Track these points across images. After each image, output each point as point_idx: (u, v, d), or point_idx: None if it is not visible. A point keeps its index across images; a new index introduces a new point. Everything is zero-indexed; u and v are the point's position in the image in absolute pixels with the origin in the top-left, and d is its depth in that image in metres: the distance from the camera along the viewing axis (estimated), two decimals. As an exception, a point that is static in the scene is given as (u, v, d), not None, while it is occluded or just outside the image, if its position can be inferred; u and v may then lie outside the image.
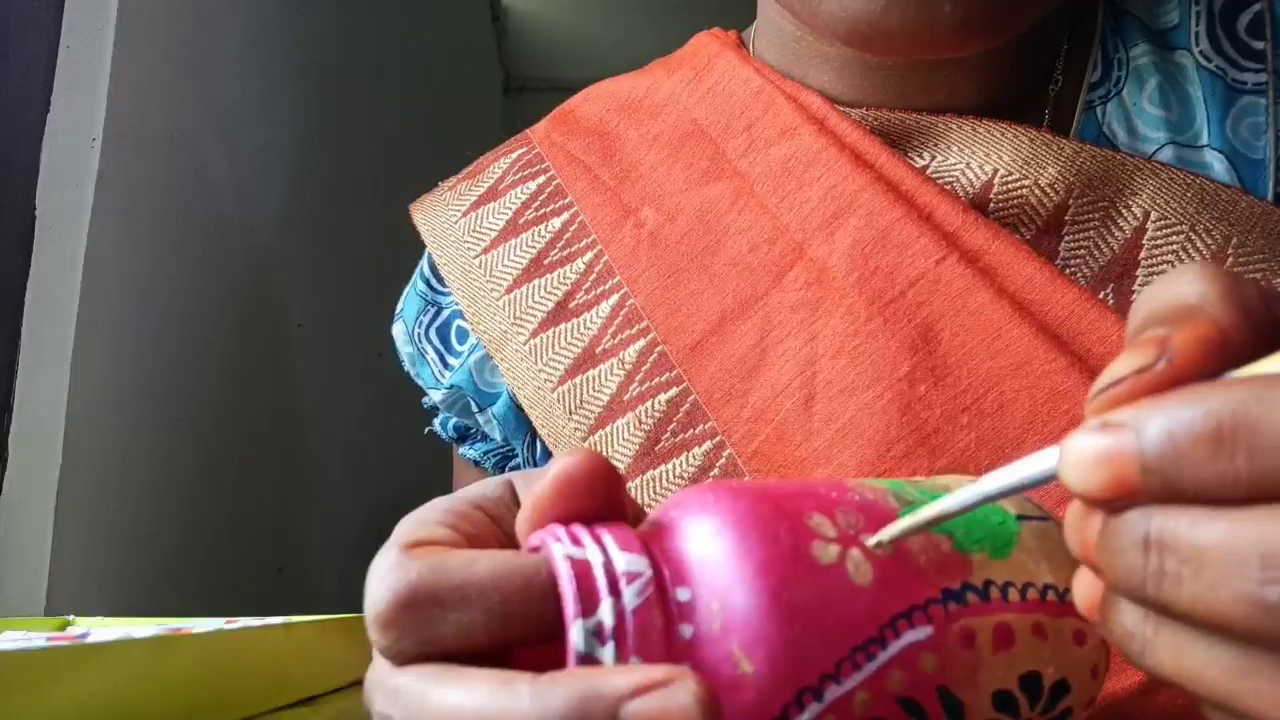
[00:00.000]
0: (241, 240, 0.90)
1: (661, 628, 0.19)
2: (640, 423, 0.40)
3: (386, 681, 0.20)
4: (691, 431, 0.39)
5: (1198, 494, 0.15)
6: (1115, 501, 0.16)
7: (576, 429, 0.41)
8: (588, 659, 0.18)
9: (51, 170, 0.63)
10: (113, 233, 0.66)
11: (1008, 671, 0.21)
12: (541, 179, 0.47)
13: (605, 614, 0.18)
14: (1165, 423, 0.15)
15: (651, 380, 0.40)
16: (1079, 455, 0.16)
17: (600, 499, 0.21)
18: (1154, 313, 0.17)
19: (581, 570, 0.19)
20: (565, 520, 0.21)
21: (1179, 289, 0.17)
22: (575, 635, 0.18)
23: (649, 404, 0.40)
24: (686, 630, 0.19)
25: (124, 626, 0.44)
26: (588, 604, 0.19)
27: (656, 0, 2.29)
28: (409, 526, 0.22)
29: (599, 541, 0.20)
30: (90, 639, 0.34)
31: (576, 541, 0.20)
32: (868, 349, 0.36)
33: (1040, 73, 0.42)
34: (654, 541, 0.20)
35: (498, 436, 0.49)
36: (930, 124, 0.40)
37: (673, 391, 0.40)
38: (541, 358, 0.43)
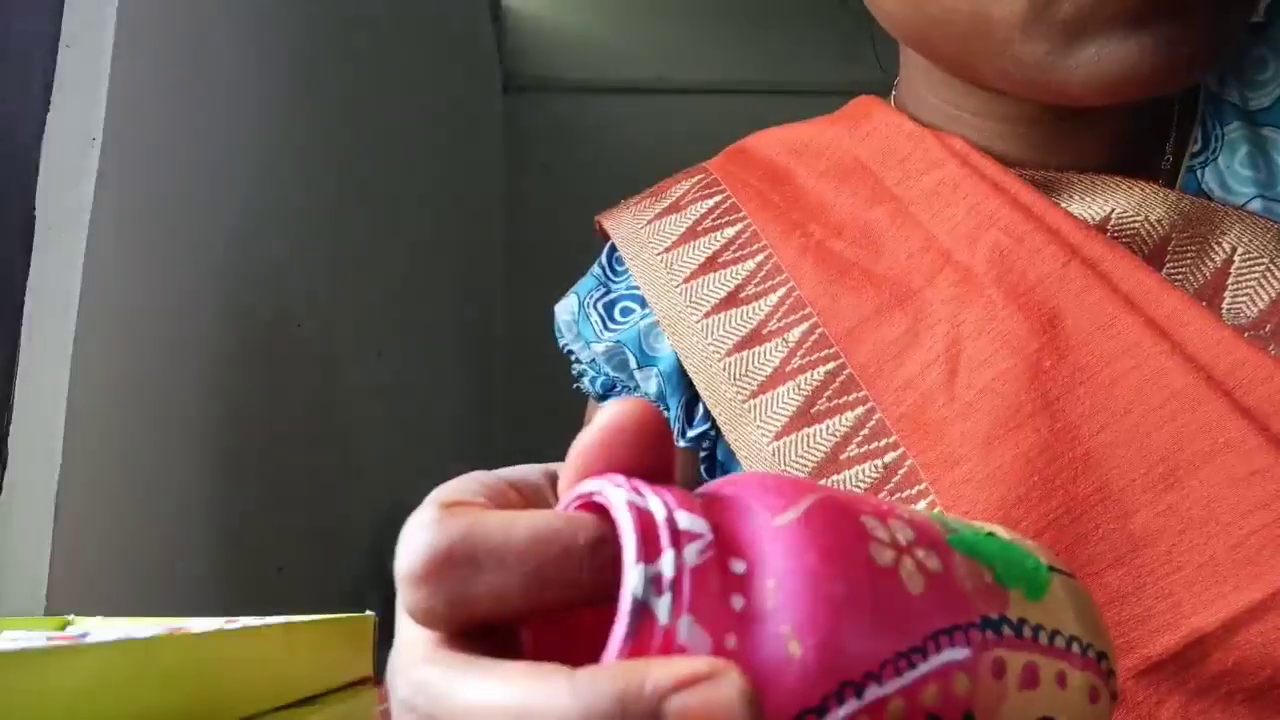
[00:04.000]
0: (241, 240, 0.90)
1: (717, 593, 0.18)
2: (799, 389, 0.46)
3: (411, 672, 0.19)
4: (845, 398, 0.45)
5: None
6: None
7: (739, 393, 0.48)
8: (643, 608, 0.18)
9: (51, 170, 0.63)
10: (113, 233, 0.66)
11: (1028, 712, 0.21)
12: (718, 197, 0.55)
13: (666, 565, 0.18)
14: None
15: (811, 355, 0.46)
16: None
17: (650, 455, 0.21)
18: None
19: (645, 518, 0.18)
20: (617, 468, 0.20)
21: None
22: (634, 579, 0.18)
23: (808, 375, 0.46)
24: (738, 601, 0.18)
25: (124, 626, 0.44)
26: (650, 551, 0.18)
27: (656, 1, 2.30)
28: (445, 490, 0.22)
29: (659, 495, 0.19)
30: (90, 639, 0.34)
31: (637, 492, 0.19)
32: (1004, 330, 0.42)
33: (1150, 148, 0.49)
34: (708, 511, 0.20)
35: (652, 391, 0.55)
36: (1056, 178, 0.47)
37: (830, 365, 0.46)
38: (712, 334, 0.50)
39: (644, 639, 0.17)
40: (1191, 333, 0.40)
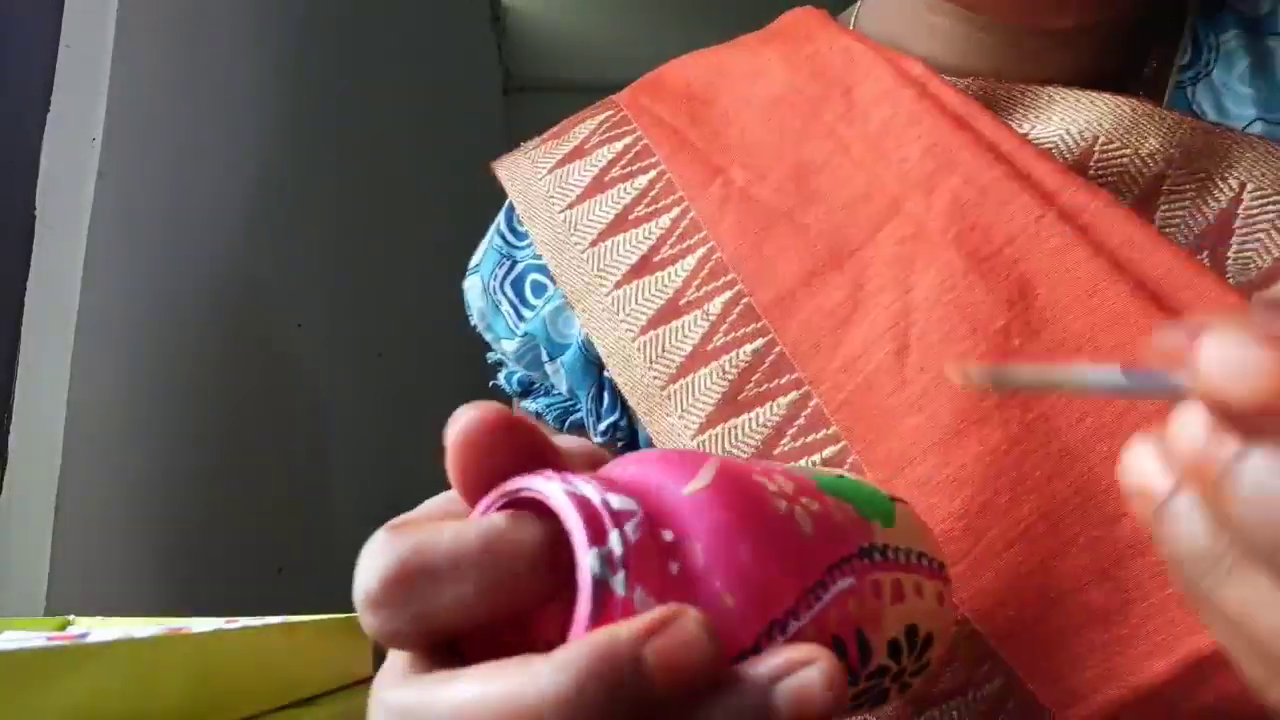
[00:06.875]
0: (241, 240, 0.90)
1: (656, 562, 0.20)
2: (724, 372, 0.40)
3: (388, 698, 0.19)
4: (776, 382, 0.39)
5: None
6: (1255, 415, 0.15)
7: (656, 378, 0.42)
8: (602, 584, 0.19)
9: (51, 170, 0.63)
10: (113, 233, 0.66)
11: (898, 622, 0.24)
12: (628, 139, 0.48)
13: (614, 543, 0.19)
14: None
15: (736, 331, 0.41)
16: (1234, 358, 0.15)
17: (524, 449, 0.21)
18: None
19: (584, 504, 0.20)
20: (497, 474, 0.21)
21: None
22: (590, 561, 0.19)
23: (733, 354, 0.40)
24: (674, 566, 0.20)
25: (124, 626, 0.44)
26: (597, 532, 0.19)
27: (657, 1, 2.30)
28: (400, 516, 0.22)
29: (588, 481, 0.20)
30: (90, 639, 0.34)
31: (566, 481, 0.20)
32: (964, 301, 0.36)
33: (1134, 58, 0.43)
34: (620, 491, 0.21)
35: (564, 388, 0.49)
36: (1035, 94, 0.41)
37: (758, 343, 0.40)
38: (624, 309, 0.44)
39: (607, 614, 0.19)
40: (1190, 296, 0.34)
